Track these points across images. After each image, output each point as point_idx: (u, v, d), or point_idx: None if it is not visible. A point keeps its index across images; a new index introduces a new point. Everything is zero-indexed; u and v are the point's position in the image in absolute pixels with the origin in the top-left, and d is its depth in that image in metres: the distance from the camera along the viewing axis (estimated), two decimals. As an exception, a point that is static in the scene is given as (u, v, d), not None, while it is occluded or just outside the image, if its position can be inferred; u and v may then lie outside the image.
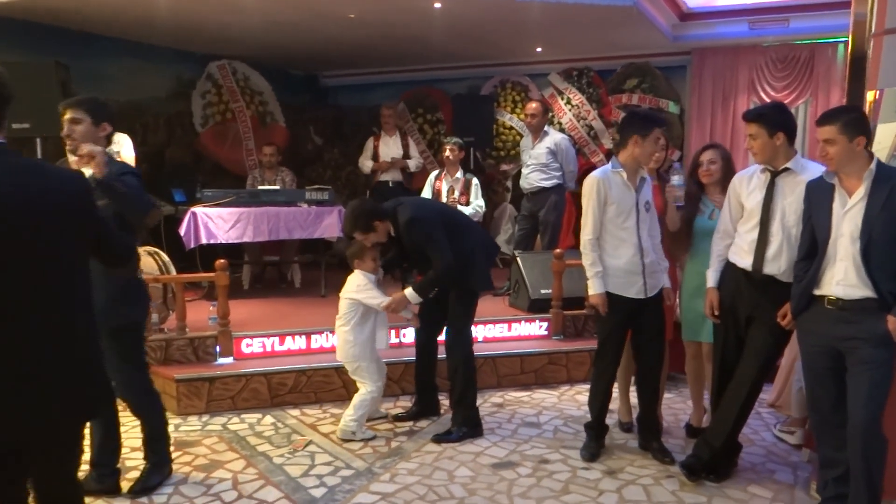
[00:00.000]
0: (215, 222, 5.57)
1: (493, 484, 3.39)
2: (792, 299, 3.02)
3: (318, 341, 4.79)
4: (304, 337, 4.77)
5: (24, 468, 1.92)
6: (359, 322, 3.96)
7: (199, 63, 7.73)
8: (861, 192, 2.77)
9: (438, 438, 3.93)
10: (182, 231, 5.44)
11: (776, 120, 3.12)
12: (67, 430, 2.01)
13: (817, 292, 2.88)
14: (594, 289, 3.55)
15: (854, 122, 2.78)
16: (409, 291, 3.90)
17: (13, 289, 1.81)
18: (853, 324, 2.76)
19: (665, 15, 6.92)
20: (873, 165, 2.77)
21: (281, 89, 8.31)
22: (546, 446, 3.86)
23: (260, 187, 6.36)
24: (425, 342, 4.28)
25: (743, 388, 3.30)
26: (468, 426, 3.98)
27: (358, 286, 3.97)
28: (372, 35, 7.00)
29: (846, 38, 6.80)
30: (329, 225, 5.97)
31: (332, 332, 4.79)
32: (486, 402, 4.48)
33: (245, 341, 4.65)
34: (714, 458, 3.41)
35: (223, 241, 5.61)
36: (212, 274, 4.60)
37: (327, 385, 4.54)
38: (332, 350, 4.74)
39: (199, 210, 5.54)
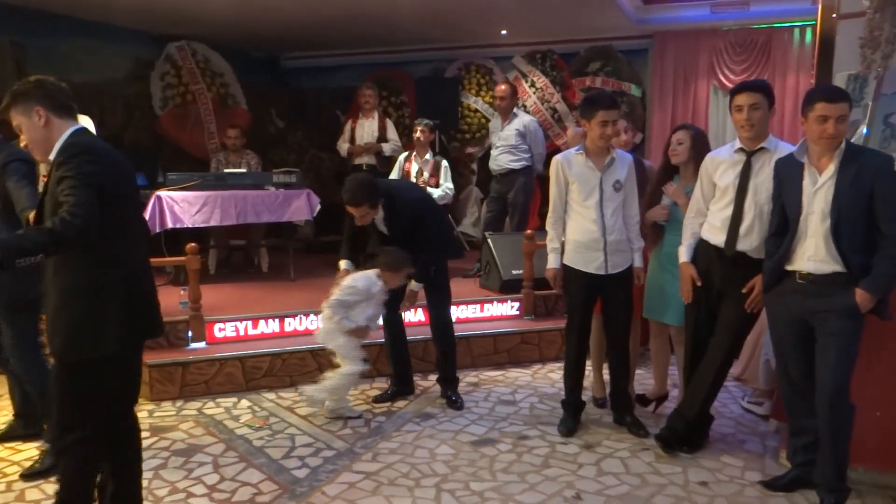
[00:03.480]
0: (181, 206, 5.48)
1: (475, 460, 3.44)
2: (764, 274, 3.11)
3: (291, 324, 4.76)
4: (277, 320, 4.73)
5: None
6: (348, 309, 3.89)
7: (158, 44, 7.54)
8: (831, 170, 2.86)
9: (452, 405, 4.17)
10: (147, 215, 5.31)
11: (772, 94, 3.26)
12: None
13: (789, 267, 2.97)
14: (549, 263, 3.75)
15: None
16: (413, 284, 4.02)
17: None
18: (823, 297, 2.86)
19: (630, -2, 6.99)
20: (843, 144, 2.86)
21: (241, 71, 8.13)
22: (523, 423, 3.93)
23: (225, 171, 6.26)
24: (394, 320, 4.27)
25: (715, 361, 3.41)
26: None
27: (345, 289, 3.87)
28: (336, 16, 6.92)
29: (802, 23, 7.08)
30: (298, 208, 5.91)
31: (306, 315, 4.81)
32: (462, 382, 4.48)
33: (217, 325, 4.59)
34: (687, 429, 3.51)
35: (190, 226, 5.52)
36: (181, 258, 4.54)
37: (302, 368, 4.52)
38: (306, 333, 4.76)
39: (163, 194, 5.43)
